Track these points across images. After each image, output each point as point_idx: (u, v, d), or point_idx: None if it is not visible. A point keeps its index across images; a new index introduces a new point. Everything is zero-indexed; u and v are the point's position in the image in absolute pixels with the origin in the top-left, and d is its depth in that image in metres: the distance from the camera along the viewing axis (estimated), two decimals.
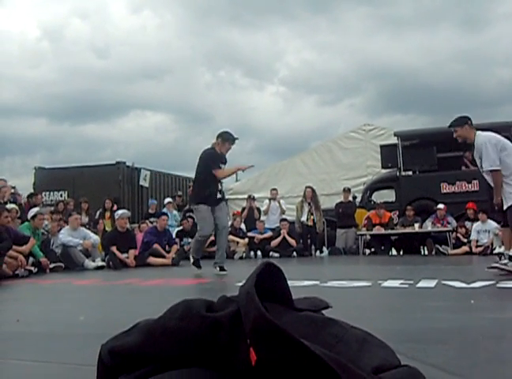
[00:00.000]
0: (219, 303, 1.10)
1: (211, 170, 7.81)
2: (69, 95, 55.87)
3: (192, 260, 8.12)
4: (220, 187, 7.96)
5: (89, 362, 1.35)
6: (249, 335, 0.93)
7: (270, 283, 1.07)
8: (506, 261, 6.17)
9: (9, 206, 10.41)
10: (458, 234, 12.38)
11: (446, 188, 13.80)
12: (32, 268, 8.90)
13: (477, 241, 11.73)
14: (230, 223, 14.14)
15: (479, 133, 6.66)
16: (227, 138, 7.97)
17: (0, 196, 11.79)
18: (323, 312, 1.24)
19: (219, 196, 7.95)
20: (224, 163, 8.05)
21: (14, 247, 8.22)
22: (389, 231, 13.29)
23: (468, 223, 12.56)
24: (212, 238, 8.87)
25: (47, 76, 53.21)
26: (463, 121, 6.77)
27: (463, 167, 13.80)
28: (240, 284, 1.07)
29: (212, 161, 7.88)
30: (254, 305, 0.92)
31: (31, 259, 9.13)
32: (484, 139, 6.52)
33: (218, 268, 7.91)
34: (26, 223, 10.07)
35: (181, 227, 13.64)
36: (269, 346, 0.89)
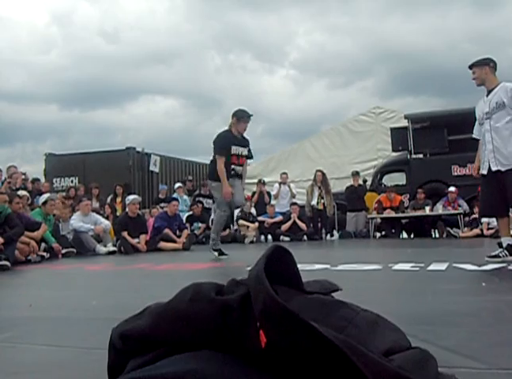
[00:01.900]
0: (228, 286, 1.10)
1: (219, 154, 7.73)
2: (79, 81, 55.97)
3: (214, 250, 7.99)
4: (232, 167, 7.78)
5: (101, 346, 1.35)
6: (259, 317, 0.93)
7: (280, 266, 1.07)
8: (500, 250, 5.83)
9: (21, 192, 10.46)
10: (475, 216, 12.31)
11: (457, 170, 13.73)
12: (44, 254, 8.97)
13: (488, 223, 11.67)
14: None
15: (504, 82, 5.89)
16: (241, 116, 7.81)
17: (12, 182, 11.86)
18: (333, 295, 1.23)
19: (233, 172, 7.78)
20: (243, 145, 7.88)
21: (26, 233, 8.27)
22: (400, 215, 13.25)
23: None
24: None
25: (56, 62, 53.32)
26: (484, 61, 5.96)
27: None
28: (250, 268, 1.07)
29: (218, 147, 7.78)
30: (263, 288, 0.92)
31: (43, 245, 9.19)
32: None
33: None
34: (37, 209, 10.13)
35: (191, 212, 13.68)
36: (278, 328, 0.88)
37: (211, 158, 8.08)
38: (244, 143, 7.94)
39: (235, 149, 7.76)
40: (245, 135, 8.02)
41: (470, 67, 6.04)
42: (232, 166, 7.78)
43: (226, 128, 7.96)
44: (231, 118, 7.87)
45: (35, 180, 13.94)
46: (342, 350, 0.84)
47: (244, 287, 1.04)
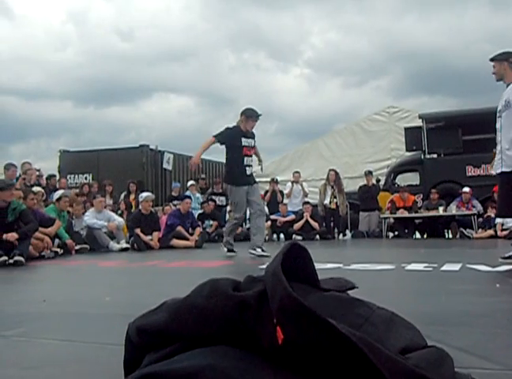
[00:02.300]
0: (245, 283, 1.11)
1: (234, 147, 7.87)
2: (94, 79, 56.22)
3: (225, 246, 8.13)
4: (246, 162, 7.92)
5: (115, 342, 1.37)
6: (276, 314, 0.93)
7: (296, 263, 1.07)
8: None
9: (36, 189, 10.53)
10: (490, 214, 12.24)
11: (471, 171, 13.65)
12: (58, 250, 9.01)
13: (502, 224, 11.59)
14: None
15: None
16: (250, 115, 7.94)
17: (26, 179, 11.93)
18: (349, 293, 1.23)
19: (249, 172, 7.94)
20: (251, 137, 8.02)
21: (40, 229, 8.32)
22: (413, 215, 13.19)
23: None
24: None
25: (72, 60, 53.54)
26: (504, 56, 5.78)
27: (494, 150, 13.56)
28: (264, 267, 1.07)
29: (222, 133, 7.92)
30: (280, 285, 0.92)
31: (56, 241, 9.25)
32: None
33: (260, 250, 7.69)
34: (51, 205, 10.19)
35: (202, 210, 13.70)
36: (296, 325, 0.89)
37: (224, 160, 8.21)
38: (252, 136, 8.08)
39: (244, 141, 7.91)
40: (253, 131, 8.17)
41: (491, 60, 5.91)
42: (245, 158, 7.92)
43: (234, 124, 8.08)
44: (240, 115, 8.02)
45: (52, 176, 14.02)
46: (359, 347, 0.84)
47: (261, 283, 1.05)
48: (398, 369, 0.87)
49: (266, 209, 13.96)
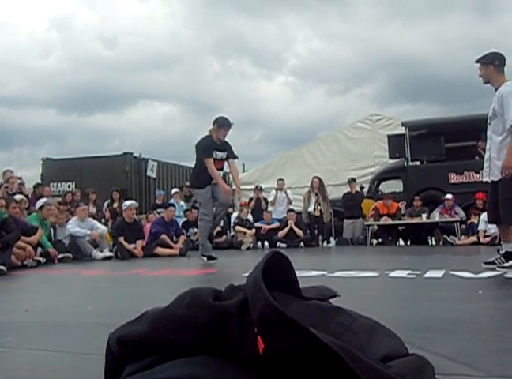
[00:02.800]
0: (226, 292, 1.10)
1: (204, 158, 7.85)
2: (78, 86, 56.05)
3: (204, 255, 8.10)
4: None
5: (98, 352, 1.35)
6: (256, 323, 0.93)
7: (278, 272, 1.07)
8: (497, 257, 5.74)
9: (18, 197, 10.44)
10: (473, 220, 12.35)
11: (453, 178, 13.75)
12: (41, 259, 8.94)
13: (485, 231, 11.69)
14: (236, 213, 14.21)
15: (509, 83, 5.61)
16: (222, 123, 7.95)
17: (9, 187, 11.84)
18: (331, 301, 1.24)
19: (214, 182, 7.94)
20: (223, 150, 8.01)
21: (22, 238, 8.25)
22: (397, 222, 13.27)
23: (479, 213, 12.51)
24: (219, 228, 8.93)
25: (55, 67, 53.36)
26: (490, 58, 5.69)
27: (476, 157, 13.68)
28: (247, 274, 1.07)
29: (203, 150, 7.91)
30: (261, 294, 0.92)
31: (39, 249, 9.17)
32: None
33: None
34: (34, 213, 10.11)
35: (186, 218, 13.67)
36: (276, 334, 0.89)
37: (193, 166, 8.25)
38: (223, 147, 8.06)
39: (215, 154, 7.92)
40: (228, 141, 8.19)
41: (477, 62, 5.82)
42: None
43: (206, 133, 8.11)
44: (213, 124, 8.03)
45: (39, 185, 13.93)
46: (340, 356, 0.84)
47: (242, 292, 1.04)
48: (379, 377, 0.87)
49: (250, 217, 14.00)
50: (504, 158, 5.45)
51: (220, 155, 7.95)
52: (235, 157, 8.29)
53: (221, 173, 8.09)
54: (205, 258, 7.98)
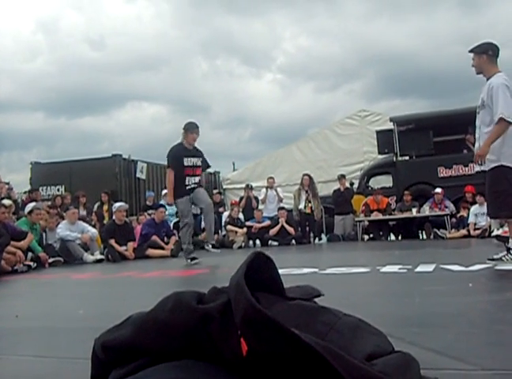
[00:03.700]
0: (209, 295, 1.10)
1: (177, 167, 7.93)
2: (66, 88, 55.64)
3: (187, 258, 8.10)
4: (187, 182, 7.95)
5: (87, 356, 1.34)
6: (239, 326, 0.93)
7: (261, 273, 1.06)
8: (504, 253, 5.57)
9: (7, 202, 10.38)
10: (463, 214, 12.41)
11: (443, 172, 13.80)
12: (31, 263, 8.89)
13: (475, 224, 11.75)
14: (227, 213, 14.19)
15: (501, 74, 5.55)
16: (188, 128, 8.05)
17: None
18: (320, 299, 1.23)
19: (190, 187, 7.97)
20: (196, 156, 8.06)
21: (12, 243, 8.21)
22: (387, 217, 13.30)
23: (468, 206, 12.57)
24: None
25: (42, 70, 52.96)
26: (483, 48, 5.64)
27: (465, 150, 13.72)
28: (231, 276, 1.06)
29: (170, 158, 8.06)
30: (243, 296, 0.91)
31: (29, 254, 9.12)
32: (504, 82, 5.43)
33: (210, 246, 8.23)
34: (23, 218, 10.06)
35: (177, 219, 13.63)
36: (259, 336, 0.88)
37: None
38: (197, 154, 8.12)
39: (187, 160, 7.95)
40: (198, 147, 8.22)
41: (470, 51, 5.76)
42: (187, 178, 7.95)
43: (179, 141, 8.15)
44: (182, 130, 8.10)
45: (35, 190, 13.86)
46: (323, 355, 0.83)
47: (225, 295, 1.04)
48: (363, 376, 0.87)
49: (241, 216, 13.99)
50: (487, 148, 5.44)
51: (192, 161, 8.00)
52: (208, 166, 8.43)
53: (197, 179, 8.04)
54: (189, 260, 8.02)
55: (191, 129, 8.04)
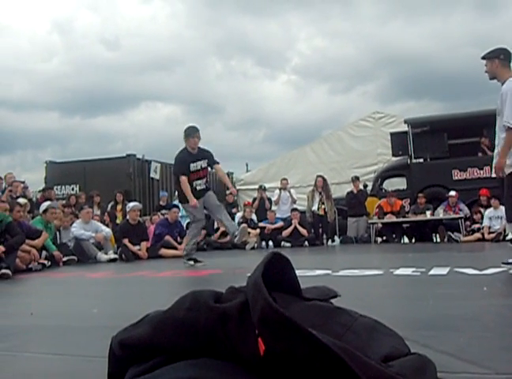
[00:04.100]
0: (227, 294, 1.11)
1: (180, 173, 8.00)
2: (81, 88, 55.89)
3: (188, 260, 8.12)
4: (195, 185, 7.99)
5: (102, 354, 1.35)
6: (257, 325, 0.93)
7: (278, 273, 1.07)
8: None
9: (22, 200, 10.47)
10: (474, 218, 12.35)
11: (457, 175, 13.72)
12: (46, 262, 8.95)
13: (490, 227, 11.67)
14: (241, 213, 14.21)
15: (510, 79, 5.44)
16: (188, 133, 8.05)
17: (13, 191, 11.87)
18: (333, 301, 1.23)
19: (200, 188, 8.02)
20: (201, 158, 8.07)
21: (27, 241, 8.26)
22: (401, 219, 13.24)
23: (480, 210, 12.50)
24: (223, 228, 8.93)
25: (58, 70, 53.22)
26: (495, 53, 5.55)
27: (480, 153, 13.64)
28: (248, 275, 1.07)
29: (177, 166, 8.16)
30: (261, 296, 0.92)
31: (44, 253, 9.18)
32: None
33: (236, 237, 8.05)
34: (38, 217, 10.13)
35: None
36: (276, 336, 0.89)
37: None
38: (202, 156, 8.12)
39: (193, 166, 7.99)
40: (203, 147, 8.23)
41: (483, 58, 5.70)
42: (194, 183, 7.99)
43: (183, 146, 8.18)
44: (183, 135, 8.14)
45: (48, 189, 13.96)
46: (340, 356, 0.84)
47: (243, 294, 1.04)
48: (380, 377, 0.87)
49: (254, 217, 14.00)
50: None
51: (198, 164, 8.03)
52: (215, 163, 8.34)
53: (200, 182, 8.05)
54: (191, 262, 8.03)
55: (191, 133, 8.04)
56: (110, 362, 1.23)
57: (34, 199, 13.50)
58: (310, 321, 0.95)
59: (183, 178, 7.90)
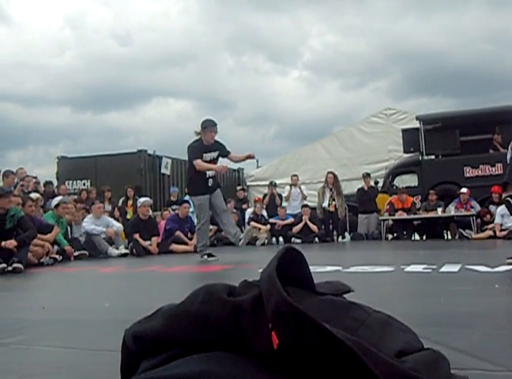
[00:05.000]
0: (240, 288, 1.11)
1: (195, 158, 7.98)
2: (92, 84, 55.96)
3: (202, 255, 8.13)
4: (208, 176, 8.02)
5: (114, 348, 1.36)
6: (271, 319, 0.93)
7: (292, 267, 1.07)
8: None
9: (34, 195, 10.53)
10: (484, 218, 12.29)
11: (469, 172, 13.66)
12: (57, 256, 9.01)
13: (501, 225, 11.61)
14: (251, 209, 14.22)
15: None
16: (205, 126, 8.05)
17: (24, 186, 11.94)
18: (345, 296, 1.23)
19: (210, 183, 8.04)
20: (213, 150, 8.09)
21: (39, 236, 8.32)
22: (412, 216, 13.20)
23: (492, 207, 12.44)
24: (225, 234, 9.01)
25: (70, 65, 53.29)
26: None
27: (491, 150, 13.56)
28: (262, 270, 1.07)
29: (191, 153, 8.09)
30: (275, 289, 0.92)
31: (55, 247, 9.24)
32: None
33: (241, 241, 8.13)
34: (50, 211, 10.19)
35: None
36: (290, 330, 0.89)
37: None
38: (214, 148, 8.14)
39: (206, 156, 8.02)
40: (218, 140, 8.24)
41: None
42: (207, 173, 8.03)
43: (197, 138, 8.19)
44: (200, 128, 8.14)
45: (48, 183, 14.02)
46: (354, 351, 0.84)
47: (256, 288, 1.04)
48: (393, 373, 0.87)
49: (265, 213, 14.01)
50: None
51: (210, 155, 8.05)
52: (228, 153, 8.34)
53: (212, 173, 8.09)
54: (205, 257, 8.03)
55: (209, 127, 8.05)
56: (122, 356, 1.24)
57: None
58: (324, 316, 0.95)
59: (199, 161, 7.91)
